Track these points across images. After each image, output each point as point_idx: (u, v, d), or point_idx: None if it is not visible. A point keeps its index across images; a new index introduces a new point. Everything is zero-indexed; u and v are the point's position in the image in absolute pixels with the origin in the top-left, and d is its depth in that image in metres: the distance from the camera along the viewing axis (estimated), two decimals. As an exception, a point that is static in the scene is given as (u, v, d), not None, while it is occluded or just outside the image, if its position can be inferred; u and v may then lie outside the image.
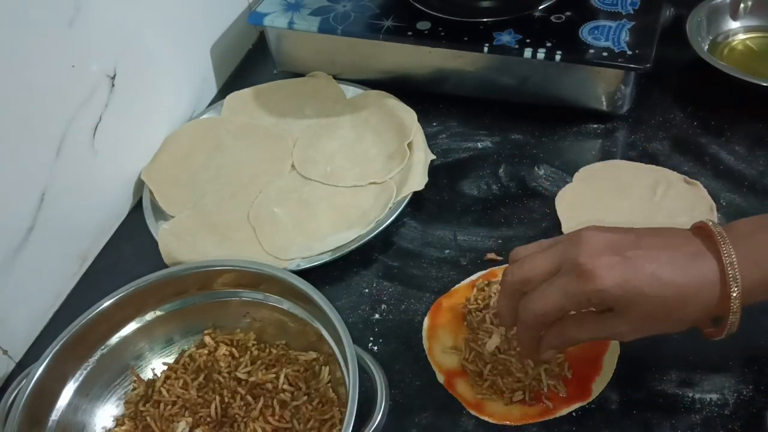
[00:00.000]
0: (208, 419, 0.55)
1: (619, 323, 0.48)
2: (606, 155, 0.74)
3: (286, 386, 0.56)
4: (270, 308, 0.59)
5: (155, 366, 0.60)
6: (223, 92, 0.87)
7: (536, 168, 0.73)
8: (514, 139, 0.77)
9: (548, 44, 0.73)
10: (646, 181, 0.70)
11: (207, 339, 0.60)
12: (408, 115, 0.76)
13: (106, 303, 0.56)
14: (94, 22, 0.65)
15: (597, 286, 0.45)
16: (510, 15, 0.76)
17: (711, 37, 0.83)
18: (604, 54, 0.72)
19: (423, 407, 0.56)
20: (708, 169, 0.71)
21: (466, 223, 0.69)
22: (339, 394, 0.56)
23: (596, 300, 0.46)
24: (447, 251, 0.67)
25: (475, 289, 0.62)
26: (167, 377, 0.58)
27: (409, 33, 0.77)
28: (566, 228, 0.67)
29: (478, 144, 0.77)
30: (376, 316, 0.63)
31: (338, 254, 0.66)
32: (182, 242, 0.68)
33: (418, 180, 0.70)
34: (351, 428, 0.46)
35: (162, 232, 0.69)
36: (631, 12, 0.77)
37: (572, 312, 0.49)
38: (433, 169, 0.73)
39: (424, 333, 0.61)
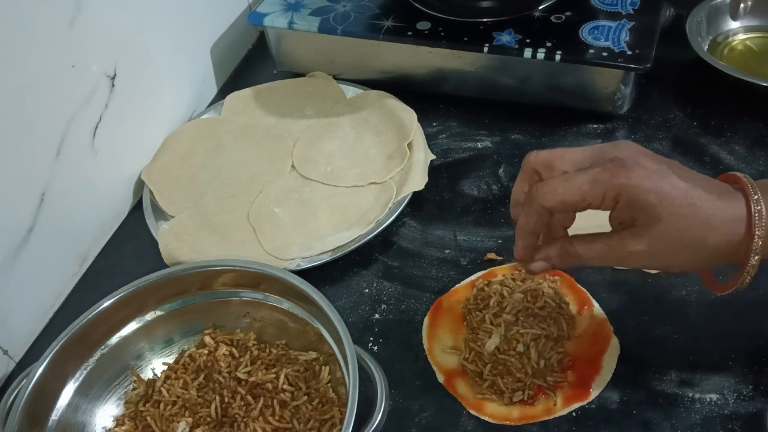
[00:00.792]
0: (208, 419, 0.55)
1: (636, 242, 0.45)
2: (606, 155, 0.74)
3: (286, 386, 0.56)
4: (270, 308, 0.59)
5: (155, 366, 0.60)
6: (223, 92, 0.87)
7: (536, 168, 0.73)
8: (514, 139, 0.77)
9: (548, 44, 0.73)
10: (646, 181, 0.70)
11: (207, 339, 0.60)
12: (408, 115, 0.76)
13: (106, 303, 0.56)
14: (94, 22, 0.65)
15: (633, 180, 0.43)
16: (510, 15, 0.77)
17: (711, 37, 0.83)
18: (604, 54, 0.72)
19: (423, 407, 0.56)
20: (708, 169, 0.70)
21: (466, 223, 0.69)
22: (339, 394, 0.56)
23: (625, 198, 0.44)
24: (447, 251, 0.67)
25: (474, 289, 0.62)
26: (167, 377, 0.58)
27: (409, 33, 0.77)
28: (566, 228, 0.67)
29: (478, 144, 0.77)
30: (376, 316, 0.63)
31: (338, 254, 0.66)
32: (182, 242, 0.68)
33: (418, 180, 0.70)
34: (351, 428, 0.46)
35: (162, 232, 0.69)
36: (631, 12, 0.77)
37: (591, 205, 0.46)
38: (433, 169, 0.73)
39: (424, 333, 0.61)
